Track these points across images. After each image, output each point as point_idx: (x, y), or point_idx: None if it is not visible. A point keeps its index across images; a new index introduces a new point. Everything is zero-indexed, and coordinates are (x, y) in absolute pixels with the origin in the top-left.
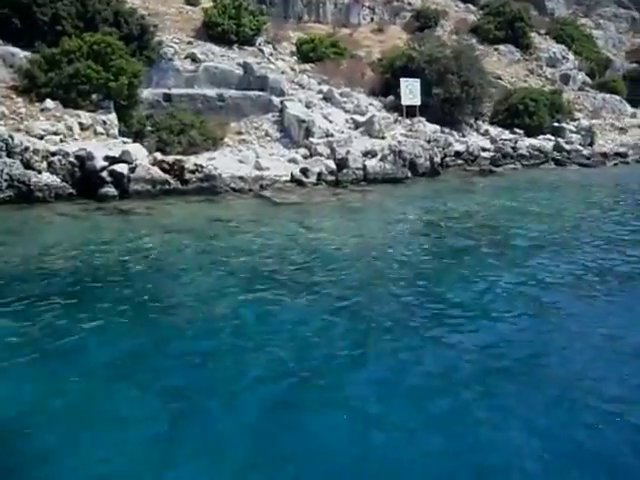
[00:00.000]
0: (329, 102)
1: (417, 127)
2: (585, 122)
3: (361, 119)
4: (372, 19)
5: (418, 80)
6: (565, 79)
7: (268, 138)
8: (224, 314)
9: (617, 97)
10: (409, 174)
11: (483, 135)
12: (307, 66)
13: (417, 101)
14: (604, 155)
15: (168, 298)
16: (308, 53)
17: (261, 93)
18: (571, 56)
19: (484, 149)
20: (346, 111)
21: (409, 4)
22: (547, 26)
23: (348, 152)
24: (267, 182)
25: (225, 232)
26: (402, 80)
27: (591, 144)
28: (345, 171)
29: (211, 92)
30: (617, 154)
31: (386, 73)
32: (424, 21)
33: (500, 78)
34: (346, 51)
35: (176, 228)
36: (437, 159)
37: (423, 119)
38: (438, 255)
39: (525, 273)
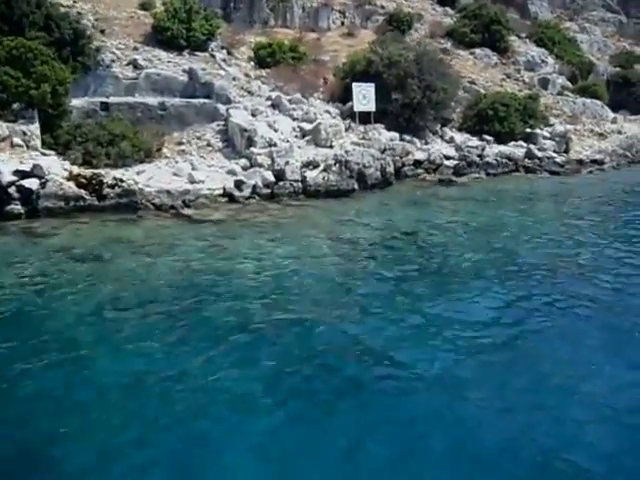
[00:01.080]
0: (277, 109)
1: (371, 135)
2: (560, 128)
3: (308, 127)
4: (342, 23)
5: (372, 85)
6: (544, 83)
7: (210, 148)
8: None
9: (598, 102)
10: (356, 186)
11: (448, 142)
12: (263, 72)
13: (371, 107)
14: (580, 162)
15: None
16: (265, 58)
17: (206, 101)
18: (551, 60)
19: (448, 157)
20: (294, 119)
21: (382, 7)
22: (528, 29)
23: (287, 163)
24: (191, 197)
25: (123, 256)
26: (354, 85)
27: (566, 151)
28: (282, 184)
29: (152, 100)
30: (593, 161)
31: (346, 78)
32: (397, 25)
33: (474, 82)
34: (305, 56)
35: (72, 253)
36: (390, 169)
37: (379, 126)
38: (344, 288)
39: (441, 311)
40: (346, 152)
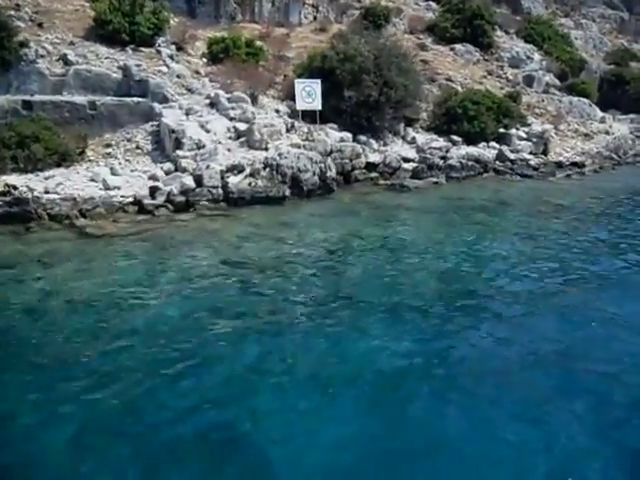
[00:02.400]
0: (215, 108)
1: (316, 136)
2: (537, 128)
3: (243, 127)
4: (315, 18)
5: (318, 81)
6: (529, 81)
7: (138, 151)
8: None
9: (586, 100)
10: (288, 193)
11: (410, 143)
12: (215, 68)
13: (316, 105)
14: (558, 165)
15: None
16: (218, 54)
17: (141, 100)
18: (537, 56)
19: (407, 160)
20: (231, 119)
21: (358, 1)
22: (518, 25)
23: (208, 167)
24: (88, 207)
25: None
26: (297, 82)
27: (545, 152)
28: (199, 190)
29: (81, 99)
30: (574, 164)
31: (303, 75)
32: (372, 19)
33: (450, 79)
34: (262, 52)
35: None
36: (331, 173)
37: (327, 126)
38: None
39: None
40: (279, 155)
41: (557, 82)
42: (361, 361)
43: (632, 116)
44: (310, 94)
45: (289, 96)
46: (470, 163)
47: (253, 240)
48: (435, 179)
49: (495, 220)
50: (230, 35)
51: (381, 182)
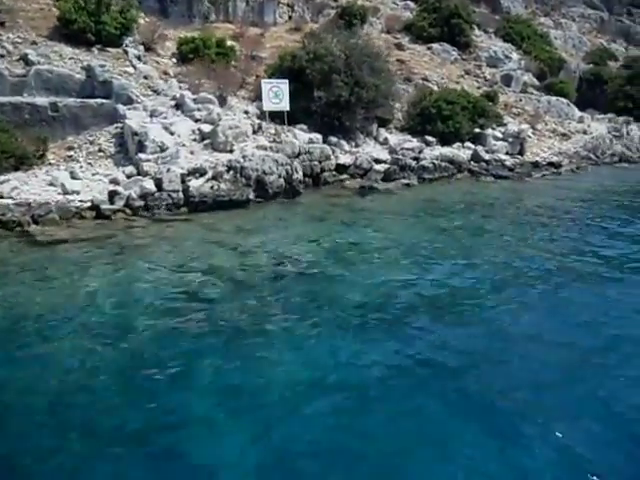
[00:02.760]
0: (180, 110)
1: (284, 137)
2: (514, 128)
3: (208, 129)
4: (290, 17)
5: (285, 82)
6: (507, 80)
7: (101, 154)
8: None
9: (564, 100)
10: (252, 196)
11: (382, 144)
12: (184, 69)
13: (284, 106)
14: (535, 165)
15: None
16: (188, 54)
17: (105, 101)
18: (515, 55)
19: (379, 161)
20: (196, 120)
21: (334, 0)
22: (497, 24)
23: (169, 170)
24: (41, 212)
25: None
26: (263, 82)
27: (521, 152)
28: (158, 195)
29: (42, 101)
30: (550, 164)
31: (273, 75)
32: (349, 19)
33: (427, 79)
34: (232, 52)
35: None
36: (298, 175)
37: (296, 127)
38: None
39: None
40: (243, 157)
41: (536, 82)
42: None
43: (610, 115)
44: (277, 95)
45: (260, 97)
46: (444, 164)
47: (209, 247)
48: (406, 180)
49: (460, 223)
50: (203, 35)
51: (351, 184)
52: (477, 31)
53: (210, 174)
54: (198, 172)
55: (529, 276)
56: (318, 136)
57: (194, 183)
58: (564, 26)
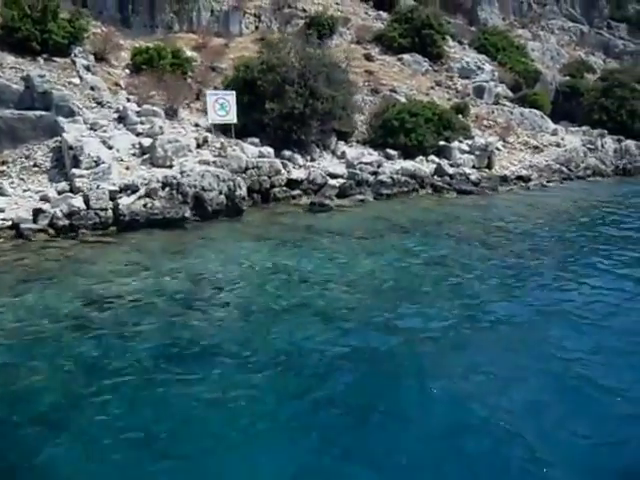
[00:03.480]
0: (122, 123)
1: (230, 151)
2: (481, 140)
3: (148, 143)
4: (257, 28)
5: (232, 93)
6: (479, 91)
7: (36, 169)
8: None
9: (537, 112)
10: (188, 214)
11: (340, 158)
12: (137, 80)
13: (230, 118)
14: (503, 179)
15: None
16: (141, 65)
17: (44, 113)
18: (488, 67)
19: (334, 175)
20: (137, 134)
21: (303, 11)
22: (472, 36)
23: (98, 187)
24: None
25: None
26: (208, 93)
27: (489, 166)
28: (84, 213)
29: None
30: (519, 177)
31: (228, 87)
32: (317, 29)
33: (395, 90)
34: (188, 63)
35: None
36: (241, 192)
37: (244, 141)
38: None
39: None
40: (181, 173)
41: (509, 93)
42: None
43: (585, 128)
44: (224, 107)
45: None
46: (404, 179)
47: (129, 273)
48: (361, 196)
49: (404, 243)
50: (162, 45)
51: (303, 201)
52: (451, 42)
53: (143, 191)
54: (130, 189)
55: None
56: (270, 150)
57: (124, 201)
58: (542, 38)
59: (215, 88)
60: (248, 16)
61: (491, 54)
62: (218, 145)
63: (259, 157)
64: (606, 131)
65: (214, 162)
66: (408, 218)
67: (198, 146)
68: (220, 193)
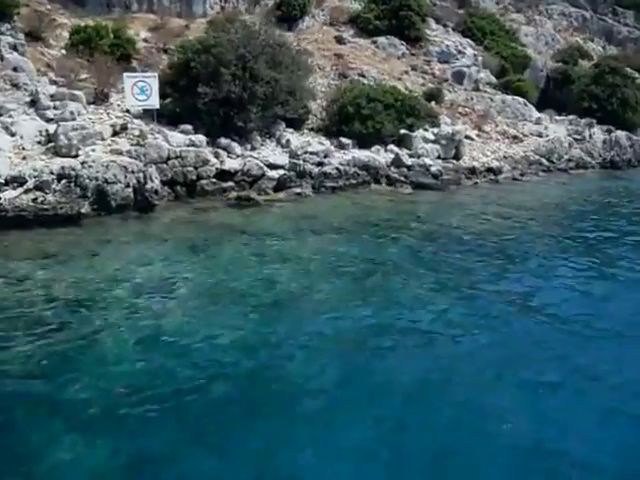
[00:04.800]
0: (34, 107)
1: (150, 139)
2: (448, 129)
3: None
4: (223, 8)
5: (154, 75)
6: (459, 77)
7: None
8: None
9: (520, 99)
10: (86, 209)
11: (285, 147)
12: (72, 61)
13: (152, 103)
14: (472, 171)
15: None
16: (78, 45)
17: None
18: (469, 51)
19: (275, 166)
20: (48, 119)
21: None
22: (460, 19)
23: None
24: None
25: None
26: (125, 76)
27: (457, 157)
28: None
29: None
30: (490, 170)
31: (171, 69)
32: (287, 10)
33: (363, 75)
34: (130, 43)
35: None
36: (153, 184)
37: (175, 129)
38: None
39: None
40: (82, 164)
41: (493, 79)
42: None
43: (571, 117)
44: (144, 90)
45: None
46: (353, 170)
47: None
48: (299, 190)
49: (320, 248)
50: (103, 24)
51: (233, 194)
52: (434, 25)
53: (31, 183)
54: (17, 181)
55: None
56: (201, 138)
57: (8, 194)
58: (538, 23)
59: (162, 70)
60: None
61: (477, 38)
62: (137, 133)
63: (189, 146)
64: (595, 120)
65: (128, 152)
66: (341, 217)
67: (115, 134)
68: (127, 186)
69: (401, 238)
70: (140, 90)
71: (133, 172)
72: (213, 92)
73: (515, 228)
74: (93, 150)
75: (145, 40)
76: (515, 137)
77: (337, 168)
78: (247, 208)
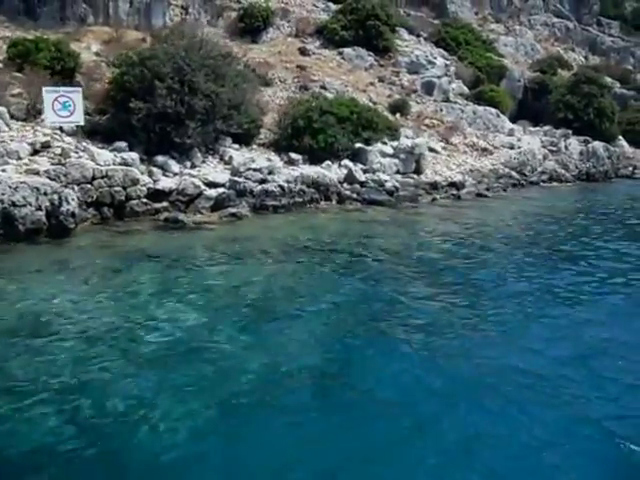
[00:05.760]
0: None
1: (74, 158)
2: (407, 142)
3: None
4: (184, 20)
5: (78, 90)
6: (428, 87)
7: None
8: None
9: (493, 110)
10: None
11: (227, 164)
12: (7, 77)
13: (76, 119)
14: (433, 186)
15: None
16: (16, 58)
17: None
18: (440, 61)
19: (214, 185)
20: None
21: (237, 2)
22: (433, 29)
23: None
24: None
25: None
26: (45, 90)
27: (418, 171)
28: None
29: None
30: (452, 184)
31: (112, 83)
32: (249, 21)
33: (325, 87)
34: (71, 57)
35: None
36: (68, 207)
37: (97, 146)
38: None
39: None
40: None
41: (465, 90)
42: None
43: (546, 128)
44: (66, 106)
45: (100, 110)
46: (299, 188)
47: None
48: (234, 210)
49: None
50: (43, 37)
51: (164, 216)
52: (407, 36)
53: None
54: None
55: None
56: (134, 155)
57: None
58: (518, 33)
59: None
60: (174, 7)
61: (451, 48)
62: (59, 151)
63: (121, 164)
64: (571, 131)
65: (47, 172)
66: (272, 241)
67: (35, 152)
68: (38, 209)
69: (326, 265)
70: (62, 105)
71: (46, 194)
72: (147, 107)
73: (453, 253)
74: (3, 170)
75: (97, 54)
76: (485, 149)
77: (280, 186)
78: (174, 231)
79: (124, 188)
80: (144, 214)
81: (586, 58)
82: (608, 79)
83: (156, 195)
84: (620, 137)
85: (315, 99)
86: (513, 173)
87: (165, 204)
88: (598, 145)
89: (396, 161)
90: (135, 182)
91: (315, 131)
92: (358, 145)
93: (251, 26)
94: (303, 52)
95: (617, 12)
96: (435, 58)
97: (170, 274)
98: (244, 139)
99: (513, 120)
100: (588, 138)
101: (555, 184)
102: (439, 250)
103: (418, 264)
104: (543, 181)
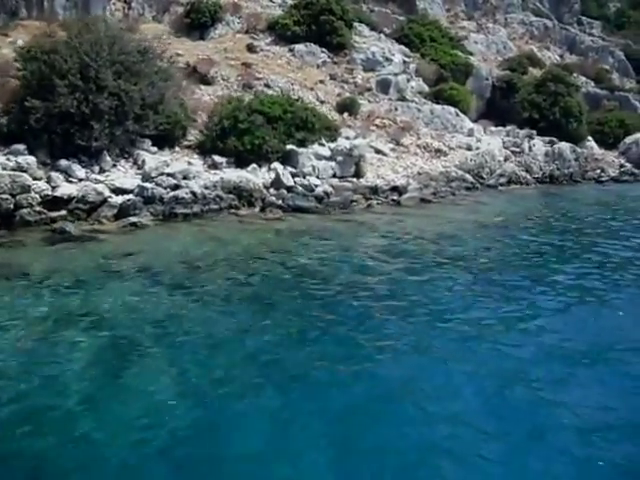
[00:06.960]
0: None
1: None
2: (345, 144)
3: None
4: (126, 15)
5: None
6: (384, 86)
7: None
8: None
9: (452, 109)
10: None
11: (141, 168)
12: None
13: None
14: (374, 190)
15: None
16: None
17: None
18: (398, 58)
19: (122, 191)
20: None
21: None
22: (398, 25)
23: None
24: None
25: None
26: None
27: (358, 174)
28: None
29: None
30: (395, 189)
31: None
32: (196, 17)
33: (269, 85)
34: None
35: None
36: None
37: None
38: None
39: None
40: None
41: (425, 88)
42: None
43: (509, 128)
44: None
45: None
46: (215, 194)
47: None
48: (135, 219)
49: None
50: None
51: (63, 225)
52: (368, 32)
53: None
54: None
55: None
56: (30, 159)
57: None
58: (491, 31)
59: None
60: (115, 2)
61: (415, 45)
62: None
63: (13, 169)
64: (535, 132)
65: None
66: (168, 256)
67: None
68: None
69: (208, 289)
70: None
71: None
72: (45, 106)
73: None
74: None
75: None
76: (438, 150)
77: (193, 192)
78: (60, 243)
79: (12, 195)
80: (37, 224)
81: (562, 57)
82: (582, 78)
83: (54, 203)
84: (589, 138)
85: (257, 98)
86: (467, 176)
87: (63, 212)
88: (564, 146)
89: (333, 164)
90: (26, 189)
91: (241, 132)
92: (289, 147)
93: (198, 22)
94: (251, 49)
95: (600, 12)
96: (393, 55)
97: (20, 300)
98: (167, 141)
99: (479, 119)
100: (554, 139)
101: (515, 187)
102: (324, 276)
103: (321, 282)
104: (501, 184)
